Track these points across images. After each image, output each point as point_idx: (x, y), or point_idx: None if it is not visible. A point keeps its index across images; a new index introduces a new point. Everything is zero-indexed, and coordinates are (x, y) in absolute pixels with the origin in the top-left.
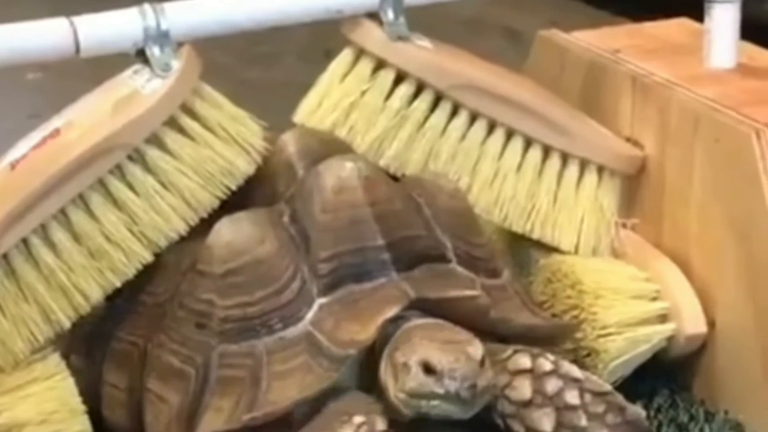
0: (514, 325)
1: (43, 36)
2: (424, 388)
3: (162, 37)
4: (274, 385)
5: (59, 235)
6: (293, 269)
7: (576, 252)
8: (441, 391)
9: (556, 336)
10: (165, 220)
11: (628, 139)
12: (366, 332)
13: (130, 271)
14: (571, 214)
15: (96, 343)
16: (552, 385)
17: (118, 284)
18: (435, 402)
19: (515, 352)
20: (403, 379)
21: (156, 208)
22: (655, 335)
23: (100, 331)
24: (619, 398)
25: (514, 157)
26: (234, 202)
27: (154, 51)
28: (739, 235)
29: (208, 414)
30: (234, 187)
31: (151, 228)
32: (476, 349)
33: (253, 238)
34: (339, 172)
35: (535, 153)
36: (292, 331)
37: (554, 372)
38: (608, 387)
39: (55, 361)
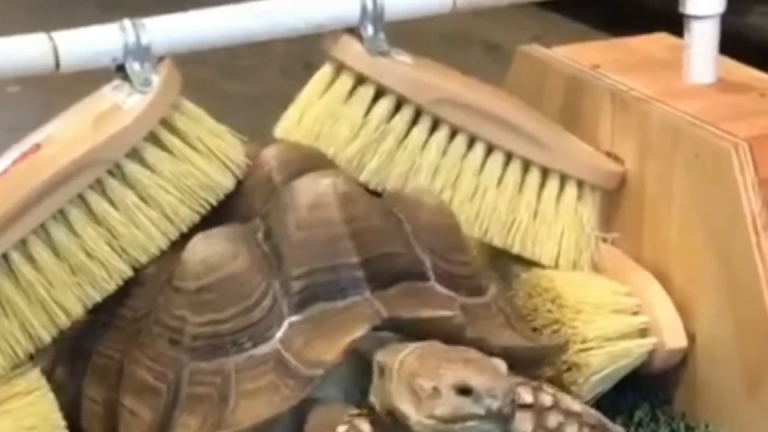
0: (492, 345)
1: (22, 51)
2: (461, 411)
3: (142, 53)
4: (241, 404)
5: (39, 250)
6: (265, 286)
7: (556, 266)
8: (481, 411)
9: (538, 358)
10: (145, 236)
11: (608, 154)
12: (333, 352)
13: (111, 287)
14: (551, 228)
15: (78, 357)
16: (553, 420)
17: (99, 299)
18: (472, 423)
19: (517, 385)
20: (432, 404)
21: (136, 223)
22: (635, 349)
23: (82, 344)
24: (618, 429)
25: (494, 171)
26: (214, 216)
27: (134, 66)
28: (719, 250)
29: (177, 430)
30: (214, 202)
31: (131, 243)
32: (501, 364)
33: (226, 254)
34: (315, 189)
35: (515, 167)
36: (261, 350)
37: (555, 407)
38: (605, 420)
39: (35, 376)
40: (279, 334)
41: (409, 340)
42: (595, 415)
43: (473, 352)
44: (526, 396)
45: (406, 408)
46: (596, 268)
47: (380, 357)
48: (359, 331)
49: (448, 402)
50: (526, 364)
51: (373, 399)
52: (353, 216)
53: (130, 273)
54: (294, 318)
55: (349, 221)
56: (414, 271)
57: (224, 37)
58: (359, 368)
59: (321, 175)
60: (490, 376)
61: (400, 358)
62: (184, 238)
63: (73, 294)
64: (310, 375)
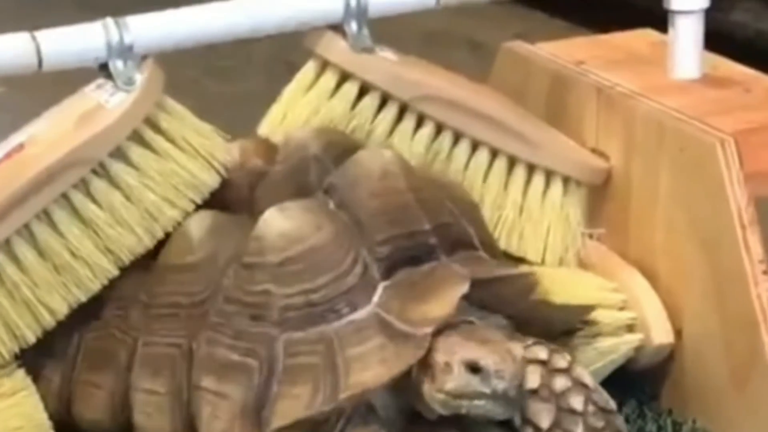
0: (553, 305)
1: (5, 51)
2: (468, 388)
3: (125, 51)
4: (354, 367)
5: (23, 250)
6: (354, 254)
7: (542, 262)
8: (488, 390)
9: (579, 317)
10: (130, 234)
11: (593, 150)
12: (442, 309)
13: (96, 286)
14: (537, 224)
15: (116, 353)
16: (561, 383)
17: (84, 299)
18: (479, 402)
19: (535, 343)
20: (443, 378)
21: (121, 222)
22: (622, 345)
23: (119, 339)
24: (620, 421)
25: (480, 168)
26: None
27: (117, 65)
28: (705, 245)
29: (282, 403)
30: (199, 201)
31: (116, 242)
32: (517, 348)
33: (308, 224)
34: (381, 159)
35: (500, 164)
36: (360, 315)
37: (566, 371)
38: (614, 405)
39: (20, 376)
40: (375, 299)
41: (468, 309)
42: (605, 397)
43: (497, 333)
44: (541, 352)
45: (422, 380)
46: (582, 264)
47: None
48: (462, 288)
49: (457, 378)
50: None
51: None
52: (415, 186)
53: (115, 272)
54: (385, 282)
55: (414, 190)
56: (466, 240)
57: (207, 35)
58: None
59: (380, 148)
60: (500, 358)
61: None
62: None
63: (58, 294)
64: (422, 333)
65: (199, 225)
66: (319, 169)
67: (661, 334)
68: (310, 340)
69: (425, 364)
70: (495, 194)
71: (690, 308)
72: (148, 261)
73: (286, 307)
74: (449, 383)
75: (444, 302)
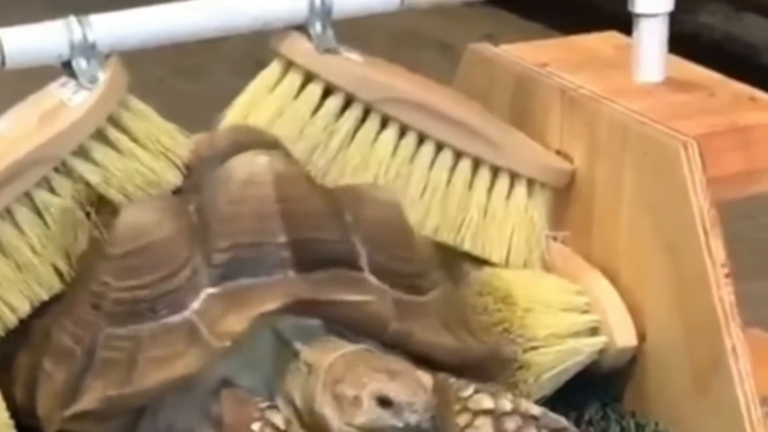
0: (416, 340)
1: None
2: (380, 422)
3: (88, 50)
4: (146, 369)
5: None
6: (186, 256)
7: (506, 264)
8: (400, 424)
9: (471, 361)
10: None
11: (557, 152)
12: (240, 324)
13: (58, 285)
14: (501, 226)
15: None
16: (513, 424)
17: (46, 297)
18: None
19: (476, 391)
20: (352, 412)
21: (84, 220)
22: (585, 348)
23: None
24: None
25: (443, 169)
26: None
27: (80, 63)
28: (668, 248)
29: (85, 393)
30: None
31: (79, 240)
32: (426, 378)
33: (152, 221)
34: (250, 165)
35: (464, 166)
36: (175, 318)
37: (514, 411)
38: (565, 422)
39: None
40: (195, 305)
41: (335, 331)
42: (556, 418)
43: (402, 363)
44: (486, 401)
45: (329, 412)
46: (546, 266)
47: (308, 354)
48: (271, 305)
49: (368, 412)
50: (466, 367)
51: (295, 393)
52: (288, 197)
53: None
54: (213, 290)
55: (283, 201)
56: (346, 259)
57: (171, 35)
58: (283, 357)
59: (260, 153)
60: (412, 391)
61: (330, 361)
62: None
63: (20, 292)
64: (216, 346)
65: None
66: (209, 168)
67: (624, 337)
68: (125, 336)
69: (331, 394)
70: (459, 196)
71: (653, 311)
72: None
73: (116, 301)
74: (359, 417)
75: (243, 317)
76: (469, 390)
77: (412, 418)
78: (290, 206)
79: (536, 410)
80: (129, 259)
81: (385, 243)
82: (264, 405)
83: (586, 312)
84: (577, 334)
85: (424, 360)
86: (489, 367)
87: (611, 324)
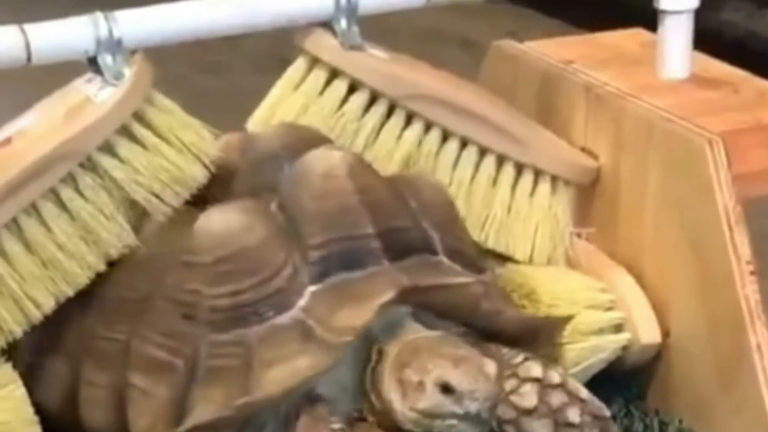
0: (506, 317)
1: None
2: (441, 409)
3: (114, 46)
4: (264, 372)
5: (11, 244)
6: (284, 256)
7: (530, 261)
8: (461, 411)
9: (544, 332)
10: (117, 228)
11: (582, 149)
12: (362, 317)
13: (83, 280)
14: (525, 223)
15: (70, 344)
16: (558, 398)
17: (71, 293)
18: (452, 421)
19: (526, 359)
20: (416, 397)
21: (108, 216)
22: (609, 345)
23: (73, 330)
24: (614, 427)
25: (468, 166)
26: (216, 196)
27: (106, 59)
28: (693, 245)
29: (198, 405)
30: (187, 196)
31: (103, 236)
32: (491, 366)
33: (242, 225)
34: (326, 159)
35: (489, 163)
36: (283, 319)
37: (562, 386)
38: (607, 412)
39: (7, 371)
40: (301, 303)
41: (418, 317)
42: (599, 405)
43: (467, 349)
44: (535, 370)
45: (393, 396)
46: (570, 263)
47: (382, 341)
48: (386, 296)
49: (430, 398)
50: (528, 341)
51: (366, 379)
52: (364, 188)
53: (102, 267)
54: (315, 287)
55: (361, 192)
56: (424, 245)
57: (197, 31)
58: (360, 349)
59: (332, 148)
60: (474, 379)
61: (399, 346)
62: (177, 219)
63: (46, 288)
64: (338, 342)
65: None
66: (275, 167)
67: (649, 334)
68: (232, 342)
69: (397, 379)
70: (483, 193)
71: (677, 308)
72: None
73: (213, 308)
74: (422, 402)
75: (366, 310)
76: (520, 357)
77: (473, 406)
78: (368, 197)
79: (584, 393)
80: (222, 265)
81: (448, 226)
82: (337, 427)
83: (610, 309)
84: (601, 331)
85: (489, 334)
86: (542, 339)
87: (635, 321)
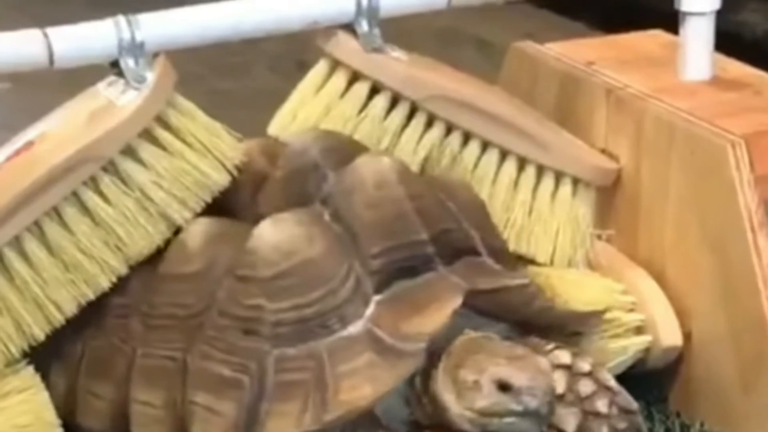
0: (556, 314)
1: (17, 48)
2: (499, 407)
3: (136, 49)
4: (342, 386)
5: (33, 247)
6: (346, 267)
7: (551, 264)
8: (520, 408)
9: (587, 324)
10: (139, 232)
11: (603, 151)
12: (433, 323)
13: (105, 284)
14: (546, 225)
15: (115, 364)
16: (586, 387)
17: (93, 297)
18: (510, 419)
19: (556, 347)
20: (472, 396)
21: (130, 219)
22: (631, 347)
23: (118, 350)
24: (641, 420)
25: (489, 168)
26: (248, 206)
27: (128, 63)
28: (714, 247)
29: (272, 420)
30: (209, 199)
31: (125, 240)
32: (545, 362)
33: (301, 238)
34: (378, 167)
35: (510, 165)
36: (351, 330)
37: (591, 375)
38: (636, 406)
39: (29, 374)
40: (368, 313)
41: (474, 319)
42: (628, 398)
43: (520, 348)
44: (564, 357)
45: (448, 398)
46: (591, 265)
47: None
48: (455, 302)
49: (487, 396)
50: (558, 332)
51: (419, 390)
52: (413, 194)
53: (124, 270)
54: (379, 296)
55: (412, 198)
56: (468, 246)
57: (219, 34)
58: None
59: (377, 155)
60: (531, 375)
61: (450, 348)
62: (215, 231)
63: (68, 291)
64: (413, 349)
65: (196, 233)
66: (318, 176)
67: (670, 336)
68: (301, 356)
69: (452, 380)
70: (504, 195)
71: (699, 310)
72: (154, 265)
73: (277, 322)
74: (479, 402)
75: (436, 316)
76: (551, 345)
77: (532, 403)
78: (419, 203)
79: (614, 384)
80: (283, 279)
81: (483, 225)
82: None
83: (631, 311)
84: (622, 334)
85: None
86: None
87: (656, 323)
